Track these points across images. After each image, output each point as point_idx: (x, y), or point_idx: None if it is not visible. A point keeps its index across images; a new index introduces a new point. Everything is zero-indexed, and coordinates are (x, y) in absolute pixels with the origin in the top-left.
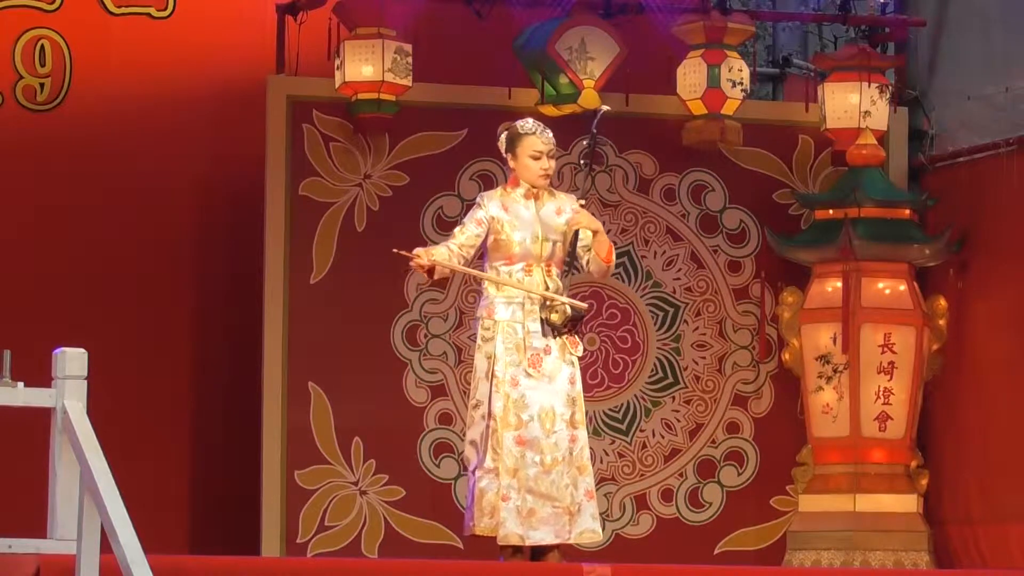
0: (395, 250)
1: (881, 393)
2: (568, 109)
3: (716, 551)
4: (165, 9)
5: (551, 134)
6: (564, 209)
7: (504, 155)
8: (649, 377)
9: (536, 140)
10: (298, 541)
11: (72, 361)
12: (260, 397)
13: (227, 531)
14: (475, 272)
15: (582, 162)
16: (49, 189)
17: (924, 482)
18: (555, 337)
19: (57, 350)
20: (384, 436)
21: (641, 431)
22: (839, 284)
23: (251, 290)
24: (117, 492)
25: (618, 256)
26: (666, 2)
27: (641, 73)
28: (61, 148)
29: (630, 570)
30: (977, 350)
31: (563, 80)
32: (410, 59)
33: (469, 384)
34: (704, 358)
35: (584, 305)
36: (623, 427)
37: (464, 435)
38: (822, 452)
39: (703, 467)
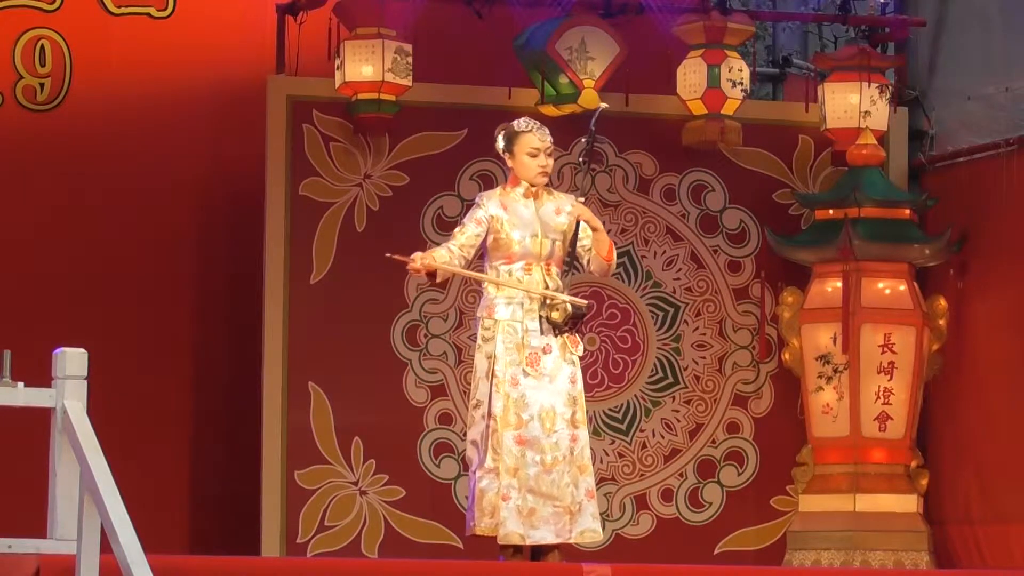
0: (388, 255)
1: (881, 393)
2: (568, 109)
3: (716, 551)
4: (165, 9)
5: (548, 132)
6: (563, 208)
7: (502, 155)
8: (649, 377)
9: (532, 137)
10: (298, 541)
11: (72, 361)
12: (260, 397)
13: (227, 531)
14: (474, 274)
15: (581, 160)
16: (49, 189)
17: (924, 482)
18: (556, 336)
19: (57, 350)
20: (384, 436)
21: (641, 431)
22: (839, 284)
23: (251, 290)
24: (117, 492)
25: (618, 256)
26: (666, 2)
27: (641, 73)
28: (61, 148)
29: (630, 570)
30: (977, 350)
31: (563, 80)
32: (410, 59)
33: (469, 384)
34: (704, 358)
35: (584, 303)
36: (623, 427)
37: (465, 435)
38: (822, 452)
39: (703, 467)
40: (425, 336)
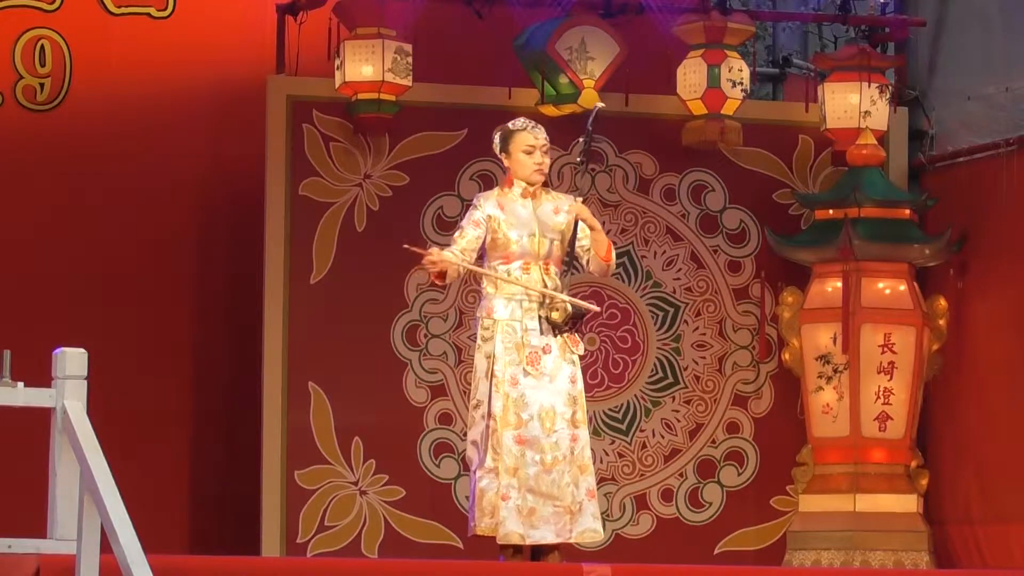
0: (406, 245)
1: (881, 393)
2: (568, 109)
3: (716, 551)
4: (165, 9)
5: (544, 131)
6: (562, 208)
7: (499, 156)
8: (649, 377)
9: (527, 135)
10: (298, 541)
11: (72, 361)
12: (260, 397)
13: (227, 531)
14: (485, 271)
15: (579, 160)
16: (49, 189)
17: (924, 482)
18: (556, 335)
19: (57, 350)
20: (384, 436)
21: (641, 431)
22: (839, 284)
23: (251, 290)
24: (117, 492)
25: (618, 256)
26: (666, 2)
27: (641, 73)
28: (61, 148)
29: (630, 570)
30: (977, 350)
31: (563, 80)
32: (410, 59)
33: (469, 384)
34: (704, 358)
35: (596, 308)
36: (623, 427)
37: (465, 435)
38: (822, 452)
39: (703, 467)
40: (425, 336)
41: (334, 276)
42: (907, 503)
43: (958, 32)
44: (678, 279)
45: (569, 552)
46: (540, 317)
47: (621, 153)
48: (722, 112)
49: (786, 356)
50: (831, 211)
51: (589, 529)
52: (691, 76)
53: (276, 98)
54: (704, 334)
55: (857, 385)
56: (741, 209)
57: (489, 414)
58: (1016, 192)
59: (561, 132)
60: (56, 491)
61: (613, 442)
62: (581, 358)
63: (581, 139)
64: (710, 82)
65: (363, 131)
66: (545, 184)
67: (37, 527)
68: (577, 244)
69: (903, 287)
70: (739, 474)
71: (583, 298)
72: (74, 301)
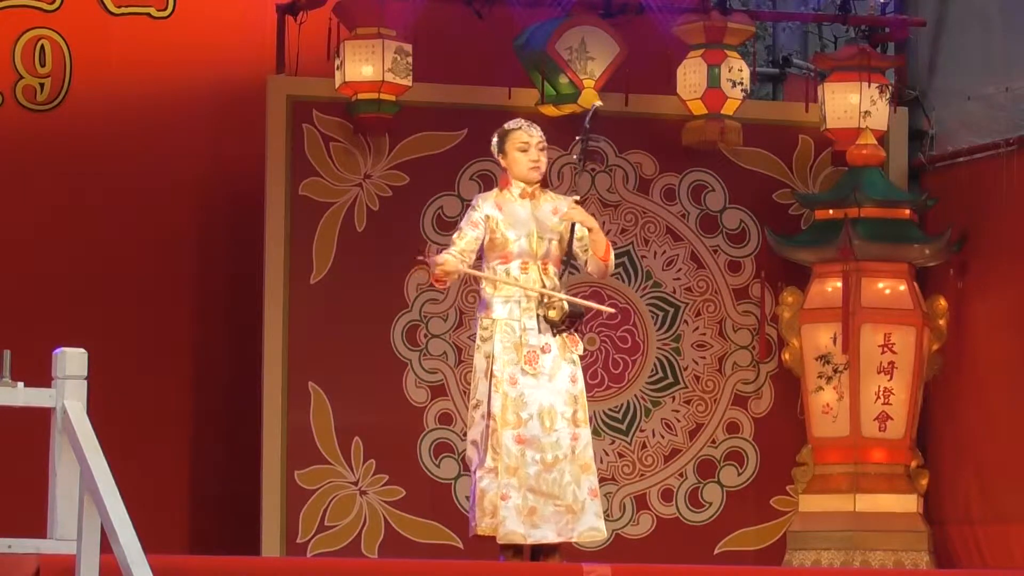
0: (419, 257)
1: (881, 393)
2: (568, 109)
3: (716, 551)
4: (165, 9)
5: (539, 129)
6: (560, 208)
7: (497, 158)
8: (649, 377)
9: (522, 133)
10: (298, 541)
11: (72, 361)
12: (260, 397)
13: (227, 531)
14: (484, 274)
15: (576, 158)
16: (49, 189)
17: (924, 482)
18: (554, 335)
19: (57, 350)
20: (384, 436)
21: (641, 431)
22: (839, 284)
23: (251, 290)
24: (117, 492)
25: (618, 256)
26: (666, 2)
27: (641, 73)
28: (61, 148)
29: (630, 570)
30: (977, 350)
31: (563, 80)
32: (410, 59)
33: (469, 384)
34: (704, 358)
35: (611, 309)
36: (623, 427)
37: (465, 435)
38: (822, 452)
39: (703, 467)
40: (425, 336)
41: (334, 276)
42: (907, 503)
43: (958, 32)
44: (678, 279)
45: (569, 552)
46: (539, 316)
47: (621, 153)
48: (722, 112)
49: (786, 356)
50: (831, 211)
51: (592, 528)
52: (691, 76)
53: (276, 98)
54: (704, 334)
55: (857, 385)
56: (741, 209)
57: (489, 414)
58: (1016, 192)
59: (561, 132)
60: (56, 491)
61: (613, 442)
62: (581, 358)
63: (579, 138)
64: (710, 82)
65: (363, 131)
66: (544, 185)
67: (37, 527)
68: (576, 243)
69: (903, 287)
70: (739, 474)
71: (583, 298)
72: (74, 301)
